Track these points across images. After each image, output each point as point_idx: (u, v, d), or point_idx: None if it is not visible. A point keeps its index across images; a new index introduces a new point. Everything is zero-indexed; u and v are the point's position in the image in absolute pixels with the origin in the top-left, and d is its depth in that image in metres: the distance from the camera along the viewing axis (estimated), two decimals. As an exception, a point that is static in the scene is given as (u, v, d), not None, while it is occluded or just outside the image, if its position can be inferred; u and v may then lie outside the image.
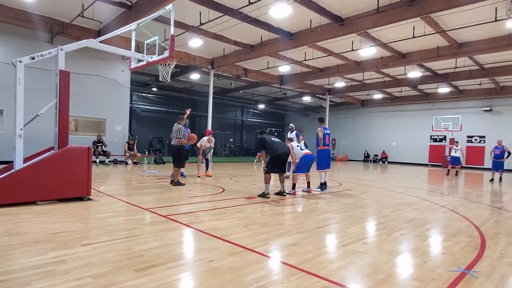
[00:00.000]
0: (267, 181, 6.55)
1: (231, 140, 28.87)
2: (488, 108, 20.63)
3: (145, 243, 3.36)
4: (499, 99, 20.19)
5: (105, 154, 13.37)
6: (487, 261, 3.24)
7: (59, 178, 5.19)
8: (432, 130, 22.07)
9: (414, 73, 16.24)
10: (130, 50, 6.90)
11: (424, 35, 10.54)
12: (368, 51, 13.11)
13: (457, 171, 14.73)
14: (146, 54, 6.68)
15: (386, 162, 25.14)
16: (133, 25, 6.85)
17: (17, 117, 5.11)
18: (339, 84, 20.14)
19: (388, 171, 17.17)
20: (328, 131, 7.95)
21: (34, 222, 4.03)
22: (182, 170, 9.34)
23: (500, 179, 12.38)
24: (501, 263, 3.21)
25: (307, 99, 25.56)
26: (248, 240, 3.62)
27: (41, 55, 5.38)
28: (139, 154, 14.72)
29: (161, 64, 7.13)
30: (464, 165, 21.01)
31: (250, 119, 31.04)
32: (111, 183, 8.32)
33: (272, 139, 6.80)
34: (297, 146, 7.44)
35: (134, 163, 14.33)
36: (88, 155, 5.50)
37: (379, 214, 5.47)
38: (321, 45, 12.89)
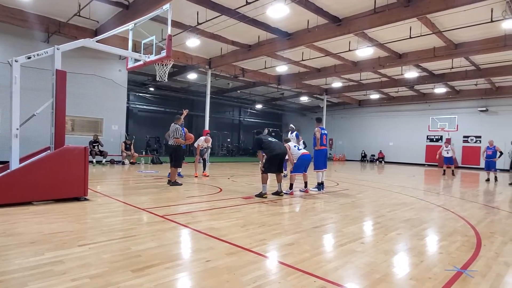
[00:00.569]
0: (264, 181, 6.56)
1: (229, 140, 28.85)
2: (484, 108, 20.76)
3: (142, 243, 3.35)
4: (495, 99, 20.32)
5: (102, 154, 13.32)
6: (483, 260, 3.26)
7: (56, 178, 5.17)
8: (429, 130, 22.14)
9: (411, 73, 16.31)
10: (127, 49, 6.89)
11: (421, 35, 10.59)
12: (365, 52, 13.15)
13: (453, 171, 14.84)
14: (143, 53, 6.66)
15: (383, 162, 25.24)
16: (130, 25, 6.83)
17: (13, 117, 5.08)
18: (336, 84, 20.18)
19: (385, 171, 17.24)
20: (325, 131, 7.97)
21: (30, 223, 4.01)
22: (179, 170, 9.34)
23: (496, 178, 12.47)
24: (497, 262, 3.23)
25: (304, 99, 25.59)
26: (245, 240, 3.63)
27: (38, 55, 5.35)
28: (136, 154, 14.67)
29: (158, 64, 7.11)
30: (460, 164, 21.19)
31: (248, 119, 31.03)
32: (108, 183, 8.30)
33: (269, 139, 6.82)
34: (294, 146, 7.46)
35: (131, 163, 14.28)
36: (84, 155, 5.48)
37: (376, 214, 5.49)
38: (319, 45, 12.92)
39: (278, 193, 6.83)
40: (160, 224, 4.20)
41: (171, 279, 2.54)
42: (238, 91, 23.73)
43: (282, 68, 16.63)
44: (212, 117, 19.23)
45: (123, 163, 14.02)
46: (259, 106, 29.15)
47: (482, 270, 2.99)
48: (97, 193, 6.31)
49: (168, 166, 8.52)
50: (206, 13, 9.87)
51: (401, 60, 14.08)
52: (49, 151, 5.52)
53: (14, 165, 5.03)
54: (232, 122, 30.72)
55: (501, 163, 12.83)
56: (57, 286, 2.32)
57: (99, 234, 3.62)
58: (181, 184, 7.88)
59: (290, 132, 10.09)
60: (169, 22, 6.24)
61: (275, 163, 6.64)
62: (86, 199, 5.52)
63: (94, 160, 12.92)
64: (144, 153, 18.02)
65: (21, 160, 5.27)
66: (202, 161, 10.65)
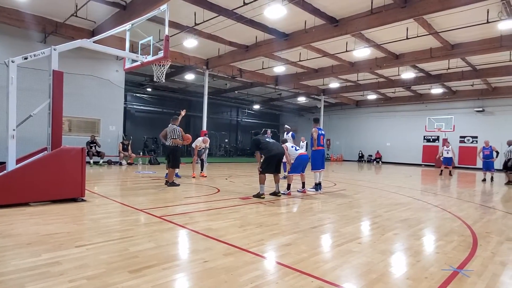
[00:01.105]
0: (262, 182, 6.56)
1: (226, 140, 28.84)
2: (481, 109, 20.89)
3: (140, 244, 3.35)
4: (491, 99, 20.46)
5: (99, 154, 13.27)
6: (479, 260, 3.29)
7: (53, 179, 5.15)
8: (426, 131, 22.26)
9: (408, 74, 16.39)
10: (124, 50, 6.87)
11: (417, 36, 10.64)
12: (362, 52, 13.20)
13: (450, 171, 14.93)
14: (140, 54, 6.66)
15: (380, 162, 25.32)
16: (127, 25, 6.82)
17: (10, 118, 5.05)
18: (334, 84, 20.24)
19: (382, 171, 17.29)
20: (322, 132, 7.99)
21: (27, 224, 3.99)
22: (177, 170, 9.32)
23: (492, 178, 12.55)
24: (493, 262, 3.26)
25: (302, 99, 25.64)
26: (243, 240, 3.63)
27: (34, 55, 5.33)
28: (133, 155, 14.63)
29: (155, 65, 7.09)
30: (456, 165, 21.29)
31: (245, 120, 31.04)
32: (105, 184, 8.27)
33: (267, 139, 6.83)
34: (292, 146, 7.47)
35: (129, 163, 14.24)
36: (82, 155, 5.46)
37: (373, 214, 5.51)
38: (316, 46, 12.95)
39: (275, 194, 6.84)
40: (157, 225, 4.19)
41: (168, 280, 2.54)
42: (236, 92, 23.74)
43: (279, 69, 16.65)
44: (209, 117, 19.22)
45: (121, 164, 13.98)
46: (256, 107, 29.18)
47: (478, 270, 3.01)
48: (94, 194, 6.29)
49: (165, 167, 8.49)
50: (203, 13, 9.88)
51: (398, 61, 14.15)
52: (46, 152, 5.50)
53: (11, 166, 5.01)
54: (229, 123, 30.71)
55: (496, 163, 12.90)
56: (54, 287, 2.32)
57: (96, 235, 3.61)
58: (178, 185, 7.87)
59: (285, 132, 10.11)
60: (167, 23, 6.23)
61: (272, 164, 6.65)
62: (83, 200, 5.50)
63: (92, 161, 12.87)
64: (141, 153, 17.98)
65: (18, 161, 5.24)
66: (200, 161, 10.64)
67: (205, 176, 10.27)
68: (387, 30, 10.79)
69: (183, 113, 9.00)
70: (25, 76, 9.81)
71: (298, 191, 7.55)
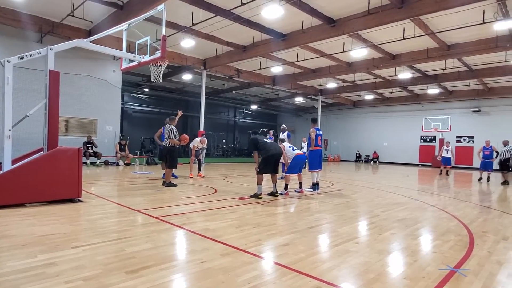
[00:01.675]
0: (259, 182, 6.56)
1: (224, 140, 28.80)
2: (477, 109, 21.01)
3: (137, 245, 3.33)
4: (487, 100, 20.58)
5: (96, 155, 13.21)
6: (476, 259, 3.30)
7: (49, 179, 5.12)
8: (422, 131, 22.36)
9: (405, 74, 16.45)
10: (121, 50, 6.85)
11: (414, 36, 10.68)
12: (359, 52, 13.23)
13: (447, 171, 15.02)
14: (137, 54, 6.64)
15: (377, 162, 25.39)
16: (124, 25, 6.80)
17: (6, 118, 5.02)
18: (331, 85, 20.27)
19: (379, 171, 17.35)
20: (320, 132, 8.00)
21: (22, 225, 3.96)
22: (174, 171, 9.30)
23: (488, 178, 12.62)
24: (489, 261, 3.27)
25: (299, 99, 25.66)
26: (240, 240, 3.62)
27: (30, 55, 5.30)
28: (130, 155, 14.58)
29: (152, 65, 7.09)
30: (453, 165, 21.39)
31: (243, 120, 31.02)
32: (102, 185, 8.23)
33: (265, 140, 6.82)
34: (289, 146, 7.47)
35: (126, 164, 14.18)
36: (78, 156, 5.44)
37: (370, 213, 5.53)
38: (313, 46, 12.97)
39: (273, 194, 6.84)
40: (154, 225, 4.18)
41: (165, 281, 2.53)
42: (233, 92, 23.73)
43: (277, 69, 16.66)
44: (207, 118, 19.18)
45: (118, 164, 13.92)
46: (254, 107, 29.17)
47: (475, 269, 3.03)
48: (91, 195, 6.26)
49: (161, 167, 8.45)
50: (201, 13, 9.86)
51: (394, 61, 14.20)
52: (42, 152, 5.46)
53: (7, 166, 4.97)
54: (227, 123, 30.68)
55: (494, 163, 12.97)
56: (50, 289, 2.30)
57: (93, 236, 3.59)
58: (176, 185, 7.85)
59: (281, 132, 10.13)
60: (164, 23, 6.22)
61: (270, 164, 6.65)
62: (80, 201, 5.47)
63: (88, 161, 12.81)
64: (138, 154, 17.92)
65: (14, 162, 5.21)
66: (197, 162, 10.62)
67: (203, 177, 10.25)
68: (384, 30, 10.82)
69: (180, 114, 8.98)
70: (21, 76, 9.75)
71: (295, 191, 7.55)
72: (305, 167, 7.71)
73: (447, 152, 14.60)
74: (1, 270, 2.57)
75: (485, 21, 9.18)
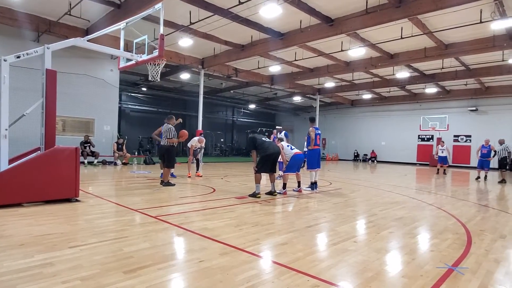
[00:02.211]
0: (257, 181, 6.55)
1: (222, 140, 28.79)
2: (474, 108, 21.09)
3: (135, 245, 3.32)
4: (484, 99, 20.66)
5: (94, 154, 13.17)
6: (473, 258, 3.31)
7: (46, 179, 5.09)
8: (420, 130, 22.45)
9: (402, 73, 16.49)
10: (119, 49, 6.82)
11: (412, 36, 10.70)
12: (357, 52, 13.24)
13: (444, 170, 15.08)
14: (135, 53, 6.61)
15: (375, 161, 25.45)
16: (122, 24, 6.77)
17: (2, 117, 4.99)
18: (329, 84, 20.29)
19: (377, 170, 17.38)
20: (319, 131, 8.01)
21: (19, 225, 3.94)
22: (172, 170, 9.28)
23: (485, 177, 12.67)
24: (487, 259, 3.28)
25: (297, 99, 25.67)
26: (239, 240, 3.62)
27: (27, 54, 5.27)
28: (128, 155, 14.53)
29: (150, 64, 7.06)
30: (450, 163, 21.48)
31: (241, 119, 31.00)
32: (100, 184, 8.20)
33: (263, 139, 6.81)
34: (287, 146, 7.46)
35: (124, 163, 14.15)
36: (75, 155, 5.41)
37: (368, 212, 5.53)
38: (311, 45, 12.97)
39: (271, 193, 6.83)
40: (152, 225, 4.17)
41: (163, 280, 2.52)
42: (231, 91, 23.69)
43: (275, 68, 16.64)
44: (205, 117, 19.18)
45: (115, 164, 13.88)
46: (252, 106, 29.15)
47: (473, 267, 3.04)
48: (88, 194, 6.23)
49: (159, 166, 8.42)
50: (198, 12, 9.83)
51: (392, 60, 14.22)
52: (39, 151, 5.44)
53: (3, 166, 4.94)
54: (225, 122, 30.65)
55: (492, 162, 13.03)
56: (47, 289, 2.29)
57: (91, 236, 3.58)
58: (174, 185, 7.83)
59: (278, 132, 10.13)
60: (161, 22, 6.20)
61: (268, 163, 6.64)
62: (77, 200, 5.45)
63: (86, 161, 12.77)
64: (136, 153, 17.88)
65: (11, 161, 5.18)
66: (195, 161, 10.60)
67: (201, 176, 10.24)
68: (382, 29, 10.83)
69: (178, 122, 8.74)
70: (18, 75, 9.71)
71: (294, 190, 7.56)
72: (303, 166, 7.71)
73: (442, 152, 14.67)
74: (-2, 270, 2.56)
75: (482, 21, 9.20)
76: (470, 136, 21.40)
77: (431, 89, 20.35)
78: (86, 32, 11.74)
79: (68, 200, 5.35)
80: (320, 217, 5.04)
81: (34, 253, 2.95)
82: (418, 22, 10.26)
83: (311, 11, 9.98)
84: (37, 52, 5.38)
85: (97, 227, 3.94)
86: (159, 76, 7.27)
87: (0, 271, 2.55)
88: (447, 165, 14.93)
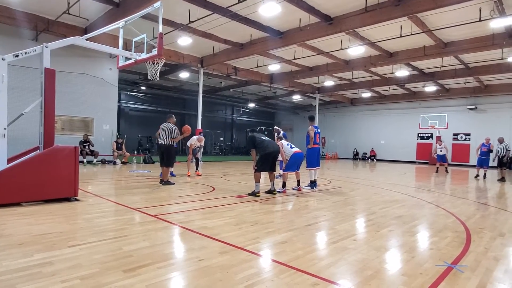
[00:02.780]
0: (257, 180, 6.55)
1: (221, 139, 28.77)
2: (473, 106, 21.10)
3: (134, 243, 3.32)
4: (483, 97, 20.67)
5: (93, 154, 13.15)
6: (473, 256, 3.31)
7: (45, 178, 5.08)
8: (419, 128, 22.47)
9: (402, 72, 16.49)
10: (118, 48, 6.80)
11: (411, 34, 10.70)
12: (356, 50, 13.23)
13: (446, 168, 15.06)
14: (134, 52, 6.59)
15: (374, 160, 25.46)
16: (120, 23, 6.74)
17: (1, 117, 4.97)
18: (328, 82, 20.28)
19: (376, 168, 17.40)
20: (318, 130, 8.01)
21: (18, 224, 3.93)
22: (172, 169, 9.28)
23: (485, 175, 12.68)
24: (486, 257, 3.29)
25: (296, 97, 25.66)
26: (238, 238, 3.62)
27: (26, 53, 5.25)
28: (127, 154, 14.52)
29: (149, 63, 7.03)
30: (450, 162, 21.51)
31: (240, 118, 30.99)
32: (99, 183, 8.19)
33: (262, 137, 6.81)
34: (287, 144, 7.46)
35: (123, 162, 14.13)
36: (74, 154, 5.40)
37: (368, 211, 5.54)
38: (310, 44, 12.95)
39: (271, 192, 6.83)
40: (152, 223, 4.16)
41: (163, 279, 2.52)
42: (231, 90, 23.67)
43: (274, 67, 16.63)
44: (204, 116, 19.14)
45: (115, 163, 13.87)
46: (251, 105, 29.14)
47: (472, 265, 3.04)
48: (88, 193, 6.22)
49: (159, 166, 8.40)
50: (197, 11, 9.81)
51: (392, 59, 14.22)
52: (38, 151, 5.43)
53: (2, 165, 4.93)
54: (224, 121, 30.64)
55: (490, 160, 13.04)
56: (47, 288, 2.29)
57: (90, 235, 3.57)
58: (173, 184, 7.83)
59: (276, 133, 10.08)
60: (160, 20, 6.19)
61: (268, 162, 6.64)
62: (76, 200, 5.44)
63: (85, 160, 12.75)
64: (136, 152, 17.86)
65: (10, 161, 5.17)
66: (194, 160, 10.59)
67: (200, 175, 10.23)
68: (381, 28, 10.83)
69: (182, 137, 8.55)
70: (16, 74, 9.69)
71: (293, 189, 7.56)
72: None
73: (441, 150, 14.65)
74: (-3, 270, 2.55)
75: (481, 19, 9.20)
76: (469, 134, 21.42)
77: (430, 88, 20.35)
78: (85, 31, 11.71)
79: (67, 199, 5.34)
80: (319, 215, 5.04)
81: (33, 252, 2.95)
82: (418, 20, 10.25)
83: (310, 10, 9.96)
84: (35, 51, 5.36)
85: (97, 226, 3.94)
86: (158, 75, 7.25)
87: (-1, 270, 2.54)
88: (447, 163, 14.89)
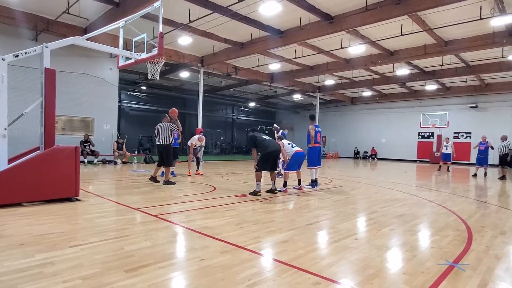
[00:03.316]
0: (258, 179, 6.55)
1: (222, 138, 28.77)
2: (474, 105, 21.06)
3: (136, 243, 3.32)
4: (484, 96, 20.63)
5: (94, 153, 13.16)
6: (474, 254, 3.31)
7: (46, 178, 5.08)
8: (420, 127, 22.44)
9: (402, 70, 16.46)
10: (118, 47, 6.79)
11: (412, 33, 10.68)
12: (357, 49, 13.20)
13: (448, 167, 15.01)
14: (134, 52, 6.58)
15: (375, 158, 25.44)
16: (120, 22, 6.73)
17: (1, 117, 4.97)
18: (329, 81, 20.25)
19: (377, 167, 17.38)
20: (319, 129, 7.99)
21: (19, 224, 3.93)
22: (173, 169, 9.28)
23: (485, 174, 12.67)
24: (487, 255, 3.28)
25: (297, 97, 25.63)
26: (239, 238, 3.61)
27: (26, 53, 5.25)
28: (128, 154, 14.52)
29: (149, 62, 7.02)
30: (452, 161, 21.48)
31: (241, 117, 30.98)
32: (100, 183, 8.20)
33: (263, 137, 6.80)
34: (288, 143, 7.46)
35: (124, 162, 14.14)
36: (75, 155, 5.40)
37: (369, 210, 5.53)
38: (311, 43, 12.93)
39: (272, 191, 6.83)
40: (153, 223, 4.16)
41: (164, 279, 2.52)
42: (231, 89, 23.65)
43: (274, 66, 16.61)
44: (205, 115, 19.13)
45: (115, 163, 13.88)
46: (252, 104, 29.13)
47: (473, 264, 3.03)
48: (89, 193, 6.23)
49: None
50: (198, 10, 9.79)
51: (392, 58, 14.19)
52: (38, 151, 5.43)
53: (3, 165, 4.93)
54: (225, 120, 30.63)
55: (491, 158, 13.03)
56: (48, 288, 2.29)
57: (91, 235, 3.57)
58: (174, 183, 7.82)
59: (275, 132, 10.06)
60: (161, 20, 6.17)
61: (269, 161, 6.63)
62: (77, 200, 5.44)
63: (86, 160, 12.76)
64: (136, 152, 17.86)
65: (10, 161, 5.17)
66: (195, 159, 10.59)
67: (201, 174, 10.23)
68: (381, 26, 10.80)
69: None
70: (16, 74, 9.68)
71: (294, 188, 7.55)
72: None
73: (447, 148, 14.55)
74: (-2, 270, 2.55)
75: (482, 17, 9.17)
76: (470, 133, 21.38)
77: (431, 86, 20.31)
78: (85, 30, 11.70)
79: (68, 200, 5.34)
80: (320, 214, 5.03)
81: (35, 253, 2.95)
82: (418, 19, 10.23)
83: (311, 8, 9.94)
84: (35, 51, 5.36)
85: (98, 226, 3.94)
86: (158, 75, 7.24)
87: (0, 271, 2.54)
88: (450, 162, 14.78)
